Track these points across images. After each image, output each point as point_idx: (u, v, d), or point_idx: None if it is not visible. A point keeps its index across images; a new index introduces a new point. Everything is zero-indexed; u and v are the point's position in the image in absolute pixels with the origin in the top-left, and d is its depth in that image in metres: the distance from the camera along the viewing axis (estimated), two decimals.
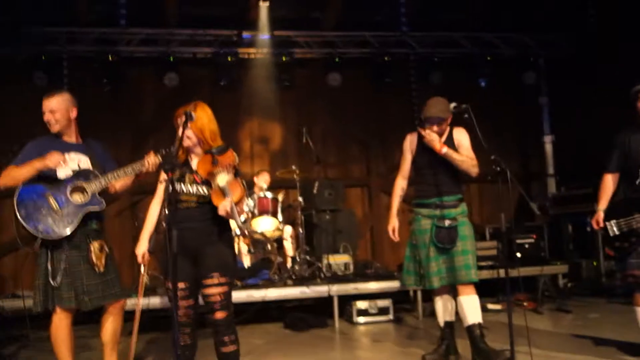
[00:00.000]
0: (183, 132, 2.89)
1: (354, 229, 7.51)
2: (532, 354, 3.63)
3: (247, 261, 6.19)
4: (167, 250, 2.69)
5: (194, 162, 3.12)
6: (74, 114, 3.58)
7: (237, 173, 3.06)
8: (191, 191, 3.04)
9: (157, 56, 7.62)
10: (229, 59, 7.63)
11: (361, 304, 5.82)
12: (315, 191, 7.10)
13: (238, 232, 6.02)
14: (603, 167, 4.02)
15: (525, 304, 5.94)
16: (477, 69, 8.24)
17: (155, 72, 7.69)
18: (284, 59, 7.77)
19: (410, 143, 4.09)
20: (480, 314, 3.90)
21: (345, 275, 6.39)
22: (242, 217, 6.44)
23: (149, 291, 5.75)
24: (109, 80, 7.40)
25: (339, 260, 6.61)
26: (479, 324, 3.86)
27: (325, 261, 6.51)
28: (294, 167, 6.77)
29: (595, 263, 6.66)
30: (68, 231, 3.34)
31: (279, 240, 6.73)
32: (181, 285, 2.98)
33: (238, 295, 5.53)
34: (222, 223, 3.07)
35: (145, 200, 7.80)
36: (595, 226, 3.90)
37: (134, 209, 7.80)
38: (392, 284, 5.99)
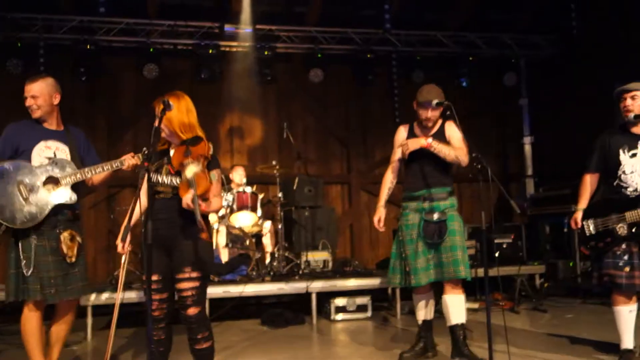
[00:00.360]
0: (160, 121, 2.82)
1: (333, 226, 7.47)
2: (510, 353, 3.63)
3: (224, 256, 6.10)
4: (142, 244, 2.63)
5: (172, 152, 3.06)
6: (57, 100, 3.49)
7: (213, 164, 3.02)
8: (166, 182, 2.98)
9: (136, 46, 7.49)
10: (210, 52, 7.52)
11: (339, 301, 5.79)
12: (295, 187, 7.04)
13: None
14: (582, 168, 4.04)
15: (502, 303, 5.96)
16: (459, 69, 8.26)
17: (134, 63, 7.54)
18: (266, 53, 7.68)
19: (399, 135, 4.05)
20: (465, 315, 3.87)
21: (323, 272, 6.35)
22: (222, 212, 6.37)
23: (124, 286, 5.64)
24: (86, 70, 7.24)
25: (318, 257, 6.57)
26: (462, 325, 3.82)
27: (304, 258, 6.46)
28: (274, 163, 6.70)
29: (571, 264, 6.72)
30: (34, 221, 3.25)
31: (258, 236, 6.67)
32: (155, 277, 2.90)
33: (214, 291, 5.46)
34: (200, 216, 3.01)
35: (121, 192, 7.68)
36: (573, 226, 3.90)
37: (110, 202, 7.66)
38: (371, 282, 5.97)
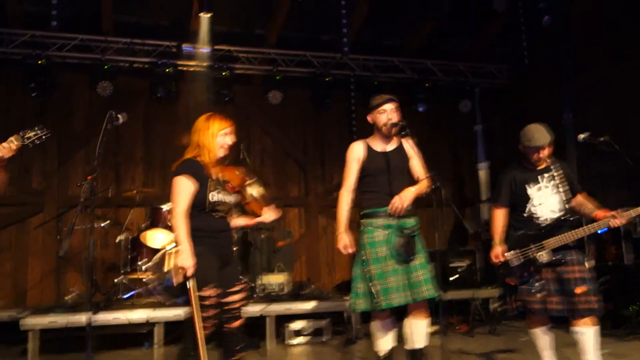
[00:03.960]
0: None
1: (290, 250, 7.37)
2: None
3: (176, 279, 5.91)
4: (207, 258, 2.97)
5: (215, 172, 3.26)
6: None
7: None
8: (226, 201, 3.20)
9: (90, 63, 7.29)
10: (167, 71, 7.40)
11: (295, 325, 5.69)
12: None
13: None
14: (492, 201, 4.11)
15: (458, 327, 5.98)
16: (415, 95, 8.37)
17: (88, 80, 7.34)
18: (224, 73, 7.62)
19: (356, 152, 3.84)
20: (426, 339, 3.75)
21: (279, 296, 6.24)
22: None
23: (70, 308, 5.41)
24: (37, 85, 6.99)
25: (274, 280, 6.45)
26: (422, 350, 3.72)
27: (259, 281, 6.34)
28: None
29: None
30: None
31: None
32: (216, 292, 3.03)
33: (165, 314, 5.28)
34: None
35: (69, 213, 7.40)
36: (494, 260, 3.89)
37: (58, 222, 7.37)
38: (329, 304, 5.90)
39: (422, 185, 3.76)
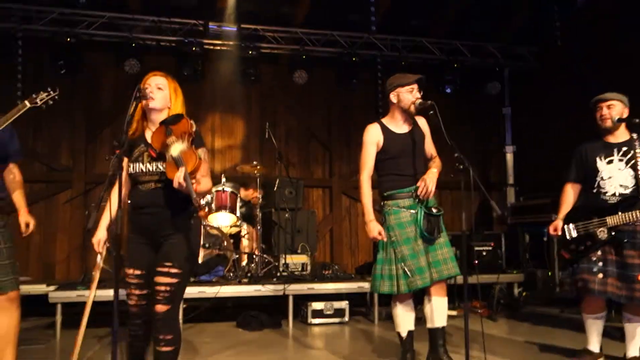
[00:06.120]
0: (137, 97, 2.75)
1: (313, 230, 7.38)
2: (486, 359, 3.59)
3: (200, 256, 5.98)
4: (128, 237, 2.60)
5: (149, 135, 2.89)
6: None
7: (198, 142, 2.86)
8: (150, 169, 2.80)
9: (118, 41, 7.33)
10: (194, 49, 7.40)
11: (317, 305, 5.71)
12: (275, 189, 6.96)
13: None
14: (563, 178, 4.06)
15: (480, 311, 5.94)
16: (443, 76, 8.24)
17: (115, 58, 7.39)
18: (250, 53, 7.59)
19: (373, 135, 3.75)
20: (446, 319, 3.75)
21: (302, 276, 6.27)
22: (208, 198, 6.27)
23: (99, 284, 5.50)
24: (65, 63, 7.07)
25: (297, 260, 6.47)
26: (444, 328, 3.72)
27: (282, 260, 6.37)
28: (255, 163, 6.61)
29: (550, 273, 6.72)
30: None
31: (236, 237, 6.57)
32: (137, 272, 2.81)
33: (190, 291, 5.34)
34: (186, 208, 2.84)
35: (98, 188, 7.52)
36: (552, 232, 3.92)
37: (86, 198, 7.51)
38: (350, 286, 5.91)
39: (439, 164, 3.78)
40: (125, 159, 2.86)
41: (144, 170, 2.82)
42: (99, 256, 2.94)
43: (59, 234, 7.51)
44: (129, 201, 2.91)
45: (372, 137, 3.77)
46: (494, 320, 5.86)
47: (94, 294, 3.26)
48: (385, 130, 3.78)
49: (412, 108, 3.69)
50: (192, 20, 7.48)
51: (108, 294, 5.03)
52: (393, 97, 3.77)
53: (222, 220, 6.39)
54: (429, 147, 3.88)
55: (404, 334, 3.78)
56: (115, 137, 7.65)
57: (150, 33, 7.43)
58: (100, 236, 2.93)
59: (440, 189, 8.66)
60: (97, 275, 3.10)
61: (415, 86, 3.71)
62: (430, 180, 3.60)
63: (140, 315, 2.84)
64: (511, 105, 9.00)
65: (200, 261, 5.94)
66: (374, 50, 8.12)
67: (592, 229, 3.69)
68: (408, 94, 3.70)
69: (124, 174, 2.87)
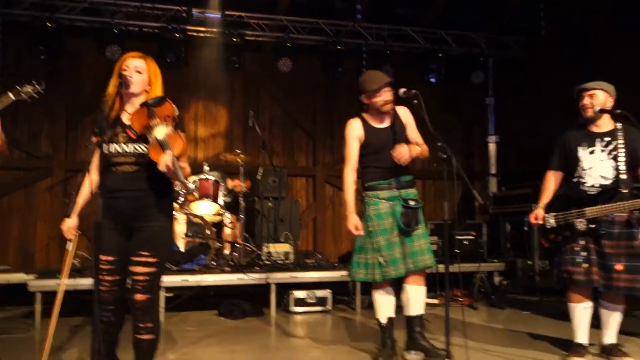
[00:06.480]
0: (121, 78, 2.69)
1: (296, 219, 7.38)
2: (467, 347, 3.63)
3: (181, 245, 5.96)
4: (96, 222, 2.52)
5: (126, 117, 2.81)
6: None
7: (181, 127, 2.80)
8: (127, 150, 2.72)
9: (100, 27, 7.22)
10: (177, 36, 7.31)
11: (299, 294, 5.72)
12: (259, 177, 6.93)
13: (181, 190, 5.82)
14: (545, 168, 4.07)
15: (461, 299, 6.00)
16: (428, 65, 8.23)
17: (97, 44, 7.26)
18: (234, 40, 7.52)
19: (355, 130, 3.82)
20: (424, 307, 3.82)
21: (284, 264, 6.27)
22: (192, 182, 6.24)
23: (76, 273, 5.46)
24: (46, 48, 6.94)
25: (280, 249, 6.47)
26: (421, 316, 3.78)
27: (265, 249, 6.36)
28: (238, 151, 6.58)
29: (530, 262, 6.79)
30: None
31: (219, 225, 6.54)
32: (109, 258, 2.75)
33: (172, 280, 5.32)
34: (165, 193, 2.81)
35: (78, 176, 7.44)
36: (532, 220, 3.92)
37: (66, 185, 7.42)
38: (332, 274, 5.92)
39: (424, 148, 3.82)
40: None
41: (120, 151, 2.74)
42: (68, 243, 2.88)
43: (39, 222, 7.43)
44: (100, 184, 2.79)
45: (354, 132, 3.83)
46: (474, 308, 5.92)
47: (65, 282, 3.18)
48: (366, 125, 3.83)
49: (385, 108, 3.76)
50: (175, 6, 7.38)
51: (85, 282, 5.02)
52: (364, 99, 3.82)
53: (205, 209, 6.35)
54: (414, 136, 3.90)
55: (383, 321, 3.83)
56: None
57: (133, 19, 7.32)
58: (70, 223, 2.83)
59: (424, 179, 8.81)
60: (68, 262, 3.04)
61: (382, 90, 3.73)
62: (409, 148, 3.64)
63: (112, 301, 2.79)
64: (496, 95, 9.03)
65: (182, 250, 5.91)
66: (360, 39, 8.08)
67: (571, 219, 3.71)
68: (377, 98, 3.75)
69: (95, 159, 2.81)
